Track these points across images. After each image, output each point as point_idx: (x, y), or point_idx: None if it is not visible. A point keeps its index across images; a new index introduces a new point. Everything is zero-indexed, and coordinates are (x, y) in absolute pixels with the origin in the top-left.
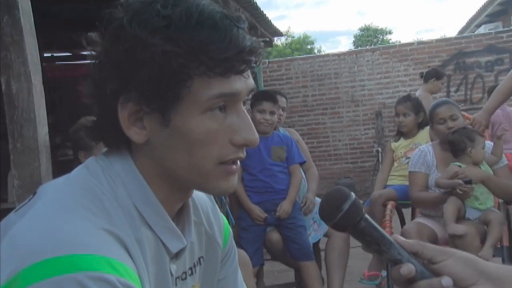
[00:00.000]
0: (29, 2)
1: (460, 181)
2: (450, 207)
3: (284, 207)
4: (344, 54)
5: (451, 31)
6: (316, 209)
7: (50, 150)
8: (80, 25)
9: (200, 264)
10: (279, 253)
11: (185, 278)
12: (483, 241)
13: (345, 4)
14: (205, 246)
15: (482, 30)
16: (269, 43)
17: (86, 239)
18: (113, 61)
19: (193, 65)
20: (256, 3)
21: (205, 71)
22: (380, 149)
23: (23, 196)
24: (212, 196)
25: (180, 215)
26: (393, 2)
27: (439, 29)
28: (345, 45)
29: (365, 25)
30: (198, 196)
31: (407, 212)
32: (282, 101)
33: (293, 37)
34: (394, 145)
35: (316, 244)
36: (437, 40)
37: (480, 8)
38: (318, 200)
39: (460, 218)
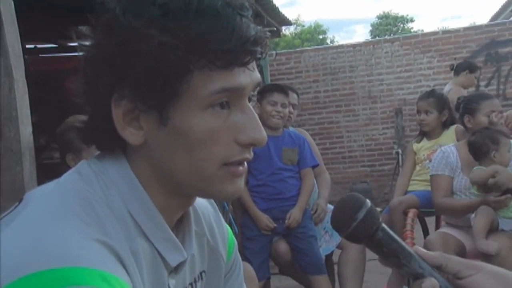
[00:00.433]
0: None
1: (509, 195)
2: (481, 220)
3: (294, 215)
4: (360, 45)
5: (482, 18)
6: (328, 218)
7: (34, 153)
8: (67, 13)
9: (201, 279)
10: (287, 266)
11: None
12: None
13: None
14: (207, 259)
15: None
16: (277, 33)
17: (77, 250)
18: (105, 55)
19: (193, 58)
20: None
21: (205, 64)
22: (400, 151)
23: (3, 205)
24: (215, 204)
25: (180, 224)
26: None
27: (467, 16)
28: (361, 34)
29: (384, 12)
30: (200, 203)
31: (430, 221)
32: (293, 97)
33: (303, 26)
34: (416, 146)
35: (328, 257)
36: (466, 29)
37: None
38: (331, 207)
39: (493, 229)
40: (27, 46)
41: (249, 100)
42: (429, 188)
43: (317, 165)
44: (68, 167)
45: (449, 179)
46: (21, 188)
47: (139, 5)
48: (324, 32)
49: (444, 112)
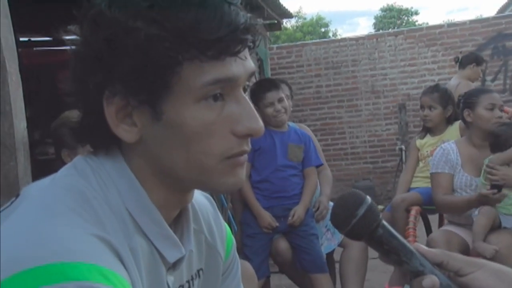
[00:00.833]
0: None
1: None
2: (482, 220)
3: (298, 212)
4: (363, 38)
5: (489, 11)
6: (329, 216)
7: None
8: (61, 5)
9: (199, 277)
10: (287, 264)
11: None
12: None
13: None
14: (205, 257)
15: None
16: (278, 26)
17: (75, 245)
18: (93, 51)
19: (182, 49)
20: None
21: (196, 54)
22: (403, 147)
23: None
24: (214, 202)
25: (178, 221)
26: None
27: (474, 8)
28: (365, 27)
29: (388, 5)
30: (199, 201)
31: (433, 219)
32: (285, 88)
33: (304, 18)
34: (419, 142)
35: (330, 255)
36: (472, 21)
37: None
38: (331, 205)
39: (495, 227)
40: (21, 39)
41: (245, 90)
42: None
43: (321, 165)
44: (64, 163)
45: (450, 177)
46: (16, 184)
47: None
48: (326, 25)
49: (449, 107)
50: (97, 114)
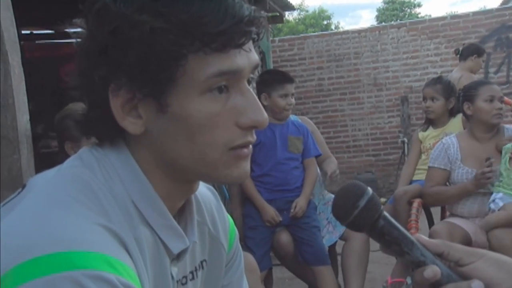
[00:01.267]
0: None
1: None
2: (503, 214)
3: (300, 204)
4: (365, 30)
5: (492, 2)
6: (330, 208)
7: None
8: None
9: (202, 268)
10: (288, 257)
11: (186, 283)
12: None
13: None
14: (208, 248)
15: None
16: (280, 18)
17: (81, 235)
18: (99, 45)
19: (186, 42)
20: None
21: (200, 47)
22: (406, 140)
23: (1, 193)
24: (217, 193)
25: (181, 213)
26: None
27: (477, 0)
28: (367, 20)
29: None
30: (202, 193)
31: (436, 211)
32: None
33: (307, 11)
34: (422, 135)
35: (332, 248)
36: (475, 13)
37: None
38: (332, 196)
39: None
40: (23, 31)
41: (249, 82)
42: None
43: (319, 155)
44: (67, 156)
45: (444, 174)
46: (19, 177)
47: None
48: (329, 18)
49: (451, 99)
50: (103, 106)
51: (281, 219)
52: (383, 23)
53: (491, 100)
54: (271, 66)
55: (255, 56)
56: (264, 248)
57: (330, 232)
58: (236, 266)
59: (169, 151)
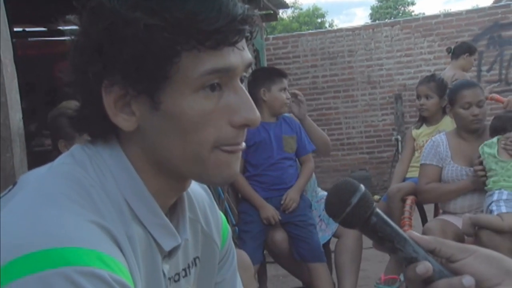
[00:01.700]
0: None
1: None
2: (504, 221)
3: (291, 195)
4: (359, 28)
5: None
6: (323, 206)
7: (25, 140)
8: None
9: (195, 265)
10: (283, 255)
11: (178, 280)
12: None
13: None
14: (201, 245)
15: None
16: (274, 16)
17: (74, 231)
18: (93, 42)
19: (180, 40)
20: None
21: (194, 45)
22: (399, 138)
23: None
24: (209, 191)
25: (173, 210)
26: None
27: None
28: (361, 18)
29: None
30: (194, 190)
31: (429, 208)
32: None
33: (301, 9)
34: (415, 132)
35: (325, 245)
36: (468, 11)
37: None
38: (325, 194)
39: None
40: (15, 29)
41: (242, 81)
42: None
43: (314, 150)
44: (60, 154)
45: (437, 170)
46: (12, 175)
47: None
48: (323, 16)
49: (445, 97)
50: (96, 103)
51: (280, 218)
52: (377, 21)
53: (468, 107)
54: (265, 64)
55: (248, 55)
56: (257, 242)
57: (323, 229)
58: (229, 263)
59: (161, 148)
